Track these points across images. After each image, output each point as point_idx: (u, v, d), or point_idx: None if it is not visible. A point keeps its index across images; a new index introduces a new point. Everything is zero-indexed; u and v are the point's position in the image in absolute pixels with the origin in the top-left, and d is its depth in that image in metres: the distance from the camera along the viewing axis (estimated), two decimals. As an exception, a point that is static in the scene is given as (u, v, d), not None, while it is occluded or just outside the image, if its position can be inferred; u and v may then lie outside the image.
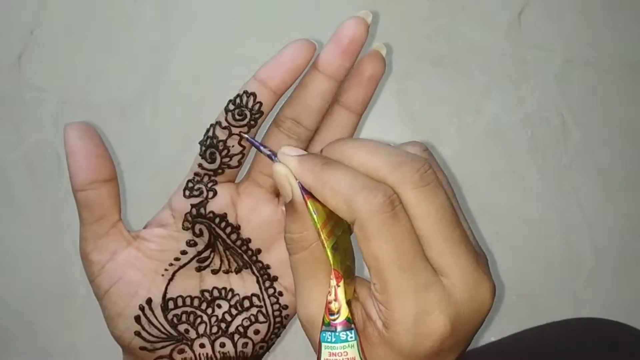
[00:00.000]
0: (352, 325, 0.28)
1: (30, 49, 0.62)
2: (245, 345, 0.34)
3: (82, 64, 0.62)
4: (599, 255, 0.64)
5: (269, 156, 0.30)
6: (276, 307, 0.34)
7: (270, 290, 0.34)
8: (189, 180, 0.33)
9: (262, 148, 0.30)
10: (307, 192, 0.28)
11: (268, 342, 0.35)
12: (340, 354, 0.28)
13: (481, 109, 0.62)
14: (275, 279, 0.34)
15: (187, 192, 0.33)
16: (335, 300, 0.28)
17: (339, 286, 0.28)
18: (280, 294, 0.34)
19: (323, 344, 0.28)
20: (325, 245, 0.28)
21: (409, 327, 0.27)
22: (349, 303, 0.28)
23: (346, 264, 0.29)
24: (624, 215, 0.64)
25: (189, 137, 0.62)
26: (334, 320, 0.28)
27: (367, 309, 0.29)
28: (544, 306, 0.63)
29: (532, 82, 0.63)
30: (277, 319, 0.34)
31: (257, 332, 0.34)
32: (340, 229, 0.29)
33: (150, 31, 0.62)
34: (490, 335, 0.61)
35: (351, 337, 0.28)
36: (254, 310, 0.34)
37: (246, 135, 0.31)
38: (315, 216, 0.28)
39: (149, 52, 0.62)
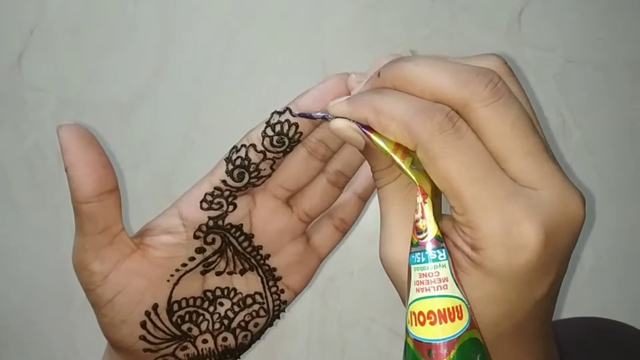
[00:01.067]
0: (443, 244, 0.26)
1: (30, 49, 0.62)
2: (245, 337, 0.35)
3: (82, 64, 0.62)
4: (599, 255, 0.64)
5: (323, 118, 0.30)
6: (277, 302, 0.35)
7: (273, 289, 0.35)
8: (207, 194, 0.32)
9: (313, 114, 0.30)
10: (369, 129, 0.27)
11: (263, 332, 0.36)
12: (431, 274, 0.26)
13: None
14: (279, 279, 0.35)
15: (206, 205, 0.32)
16: (423, 217, 0.26)
17: (425, 202, 0.26)
18: (282, 291, 0.36)
19: (412, 267, 0.26)
20: (403, 165, 0.26)
21: (499, 242, 0.25)
22: (437, 222, 0.26)
23: (430, 184, 0.27)
24: (624, 215, 0.64)
25: (189, 137, 0.62)
26: (423, 239, 0.26)
27: (453, 239, 0.27)
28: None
29: (532, 82, 0.63)
30: (276, 313, 0.36)
31: (256, 325, 0.35)
32: (414, 153, 0.27)
33: (150, 31, 0.62)
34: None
35: (442, 257, 0.26)
36: (255, 307, 0.35)
37: (297, 113, 0.31)
38: (383, 145, 0.26)
39: (149, 52, 0.62)
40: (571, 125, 0.63)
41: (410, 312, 0.26)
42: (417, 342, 0.26)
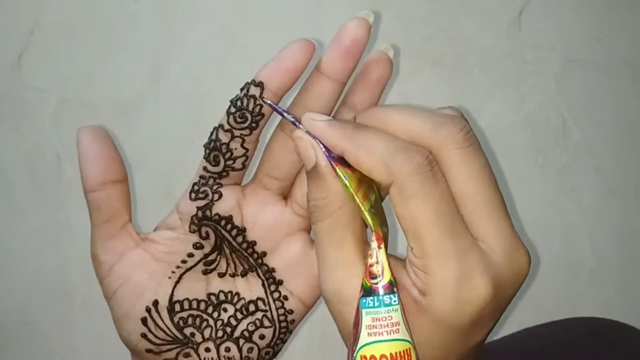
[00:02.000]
0: (395, 289, 0.26)
1: (30, 49, 0.62)
2: (250, 350, 0.33)
3: (82, 64, 0.62)
4: (599, 255, 0.64)
5: (293, 122, 0.29)
6: (281, 311, 0.34)
7: (276, 295, 0.34)
8: (194, 183, 0.33)
9: (285, 114, 0.30)
10: (333, 158, 0.27)
11: (274, 348, 0.34)
12: (384, 319, 0.26)
13: (481, 109, 0.62)
14: (280, 282, 0.34)
15: (193, 195, 0.33)
16: (377, 262, 0.26)
17: (380, 248, 0.26)
18: (286, 298, 0.34)
19: (363, 311, 0.26)
20: (362, 208, 0.27)
21: (451, 292, 0.25)
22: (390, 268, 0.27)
23: (384, 230, 0.27)
24: (624, 215, 0.64)
25: (189, 137, 0.62)
26: (376, 283, 0.26)
27: (401, 279, 0.27)
28: (544, 306, 0.63)
29: (532, 82, 0.63)
30: (283, 324, 0.34)
31: (262, 337, 0.34)
32: (373, 194, 0.28)
33: (150, 31, 0.62)
34: (489, 335, 0.61)
35: (395, 301, 0.26)
36: (259, 315, 0.34)
37: (269, 101, 0.30)
38: (346, 181, 0.27)
39: (149, 52, 0.62)
40: (571, 125, 0.63)
41: (361, 355, 0.26)
42: None
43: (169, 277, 0.33)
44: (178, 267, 0.33)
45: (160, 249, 0.33)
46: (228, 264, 0.34)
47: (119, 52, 0.62)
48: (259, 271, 0.34)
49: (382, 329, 0.26)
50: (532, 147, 0.63)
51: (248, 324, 0.33)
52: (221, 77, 0.62)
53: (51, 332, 0.64)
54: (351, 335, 0.28)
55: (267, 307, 0.34)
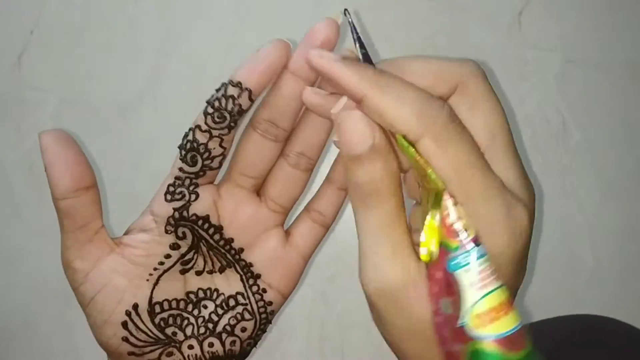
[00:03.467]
0: (480, 241, 0.26)
1: (30, 49, 0.62)
2: (233, 343, 0.34)
3: (82, 64, 0.62)
4: (599, 255, 0.64)
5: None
6: (261, 304, 0.34)
7: (254, 288, 0.34)
8: (169, 185, 0.33)
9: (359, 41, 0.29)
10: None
11: (255, 339, 0.35)
12: (487, 269, 0.25)
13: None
14: (258, 276, 0.34)
15: (169, 197, 0.33)
16: (460, 218, 0.25)
17: (456, 204, 0.26)
18: (264, 290, 0.34)
19: (459, 272, 0.25)
20: (427, 168, 0.25)
21: (504, 224, 0.26)
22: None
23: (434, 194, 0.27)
24: (624, 215, 0.64)
25: (189, 137, 0.62)
26: (465, 238, 0.25)
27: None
28: (543, 306, 0.63)
29: (532, 82, 0.63)
30: (263, 315, 0.34)
31: (244, 329, 0.34)
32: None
33: (150, 31, 0.62)
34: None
35: (486, 251, 0.25)
36: (239, 309, 0.34)
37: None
38: (408, 146, 0.25)
39: (149, 52, 0.62)
40: (571, 125, 0.63)
41: (475, 315, 0.25)
42: (499, 340, 0.24)
43: (147, 280, 0.33)
44: (155, 269, 0.33)
45: (136, 253, 0.33)
46: (205, 262, 0.34)
47: (119, 52, 0.62)
48: (237, 267, 0.34)
49: (488, 279, 0.25)
50: (532, 147, 0.63)
51: (229, 319, 0.34)
52: (221, 77, 0.62)
53: (51, 332, 0.63)
54: (411, 329, 0.27)
55: (247, 301, 0.34)
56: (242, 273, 0.34)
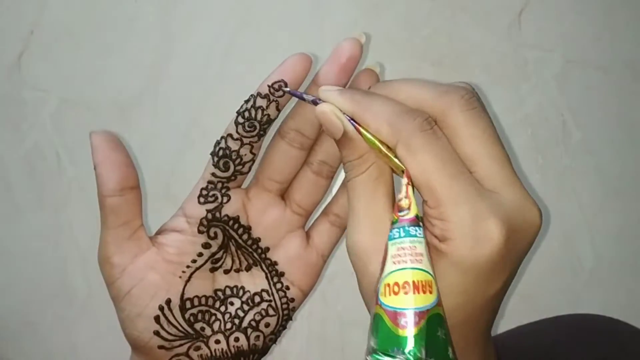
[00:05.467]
0: (421, 224, 0.28)
1: (30, 49, 0.62)
2: (257, 338, 0.36)
3: (82, 64, 0.62)
4: (599, 255, 0.64)
5: (313, 101, 0.32)
6: (284, 300, 0.37)
7: (278, 285, 0.37)
8: (202, 188, 0.35)
9: (304, 96, 0.33)
10: (356, 123, 0.30)
11: (276, 334, 0.37)
12: (408, 248, 0.28)
13: (481, 109, 0.62)
14: (282, 274, 0.37)
15: (202, 199, 0.35)
16: (406, 197, 0.28)
17: (409, 184, 0.28)
18: (287, 288, 0.37)
19: (390, 242, 0.28)
20: (390, 154, 0.29)
21: (467, 232, 0.27)
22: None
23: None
24: (624, 215, 0.64)
25: (189, 137, 0.62)
26: (403, 216, 0.28)
27: (426, 235, 0.29)
28: (544, 306, 0.63)
29: (532, 82, 0.63)
30: (285, 312, 0.37)
31: (267, 325, 0.37)
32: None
33: (150, 31, 0.62)
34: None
35: (420, 234, 0.28)
36: (264, 305, 0.37)
37: (287, 89, 0.34)
38: (370, 136, 0.29)
39: (149, 52, 0.62)
40: (571, 125, 0.63)
41: (385, 284, 0.28)
42: (390, 311, 0.27)
43: (180, 277, 0.35)
44: (188, 266, 0.35)
45: (171, 251, 0.35)
46: (233, 261, 0.37)
47: (119, 52, 0.62)
48: (263, 265, 0.37)
49: (405, 257, 0.28)
50: (532, 147, 0.63)
51: (255, 314, 0.36)
52: (221, 77, 0.62)
53: (51, 332, 0.64)
54: (370, 288, 0.29)
55: (271, 297, 0.37)
56: (267, 271, 0.37)
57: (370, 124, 0.29)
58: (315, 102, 0.32)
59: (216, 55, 0.62)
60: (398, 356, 0.27)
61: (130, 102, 0.62)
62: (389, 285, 0.28)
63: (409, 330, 0.27)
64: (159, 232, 0.36)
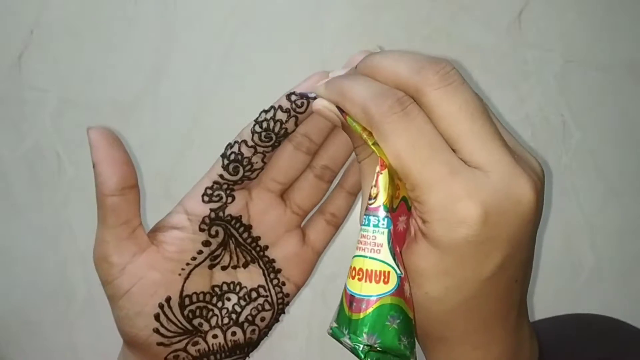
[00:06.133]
0: (387, 214, 0.28)
1: (30, 49, 0.62)
2: (253, 332, 0.37)
3: (82, 64, 0.62)
4: (599, 255, 0.64)
5: (314, 98, 0.32)
6: (280, 295, 0.38)
7: (275, 281, 0.38)
8: (207, 188, 0.36)
9: (309, 94, 0.33)
10: (344, 112, 0.30)
11: (270, 328, 0.38)
12: (369, 237, 0.28)
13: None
14: (279, 271, 0.38)
15: (207, 198, 0.36)
16: (375, 186, 0.28)
17: (381, 173, 0.28)
18: (284, 284, 0.38)
19: (360, 228, 0.29)
20: (368, 142, 0.29)
21: (440, 215, 0.27)
22: (400, 197, 0.29)
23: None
24: (624, 215, 0.64)
25: (189, 137, 0.62)
26: (371, 204, 0.29)
27: (414, 215, 0.29)
28: (544, 306, 0.63)
29: (532, 82, 0.63)
30: (280, 306, 0.38)
31: (263, 319, 0.38)
32: None
33: (150, 31, 0.62)
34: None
35: (383, 225, 0.28)
36: (260, 300, 0.38)
37: (299, 92, 0.34)
38: (354, 124, 0.29)
39: (149, 52, 0.62)
40: (571, 125, 0.63)
41: (350, 266, 0.29)
42: (346, 292, 0.29)
43: (179, 274, 0.35)
44: (187, 264, 0.36)
45: (171, 249, 0.35)
46: (231, 258, 0.37)
47: (119, 52, 0.62)
48: (261, 262, 0.38)
49: (365, 245, 0.29)
50: (532, 147, 0.63)
51: (251, 309, 0.37)
52: (221, 77, 0.62)
53: (51, 332, 0.64)
54: None
55: (268, 293, 0.38)
56: (264, 268, 0.38)
57: (350, 112, 0.29)
58: (315, 99, 0.32)
59: (216, 55, 0.62)
60: (345, 335, 0.28)
61: (130, 102, 0.62)
62: (351, 267, 0.29)
63: (356, 314, 0.28)
64: (157, 229, 0.36)
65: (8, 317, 0.64)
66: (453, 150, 0.28)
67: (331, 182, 0.38)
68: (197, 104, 0.62)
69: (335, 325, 0.29)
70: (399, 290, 0.28)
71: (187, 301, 0.36)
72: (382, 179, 0.28)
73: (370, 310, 0.28)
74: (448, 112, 0.28)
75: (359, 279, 0.28)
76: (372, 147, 0.29)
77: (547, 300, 0.63)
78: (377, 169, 0.29)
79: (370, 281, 0.28)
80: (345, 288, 0.29)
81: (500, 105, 0.62)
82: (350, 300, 0.28)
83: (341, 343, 0.29)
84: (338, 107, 0.30)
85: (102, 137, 0.33)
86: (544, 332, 0.48)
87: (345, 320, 0.28)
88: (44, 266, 0.63)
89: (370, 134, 0.29)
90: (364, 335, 0.27)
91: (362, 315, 0.28)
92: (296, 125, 0.35)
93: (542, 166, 0.30)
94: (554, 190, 0.63)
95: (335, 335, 0.29)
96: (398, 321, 0.28)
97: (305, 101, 0.34)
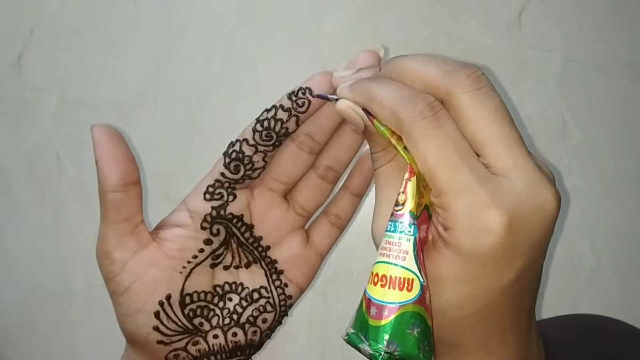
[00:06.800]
0: (414, 221, 0.28)
1: (30, 49, 0.62)
2: (254, 333, 0.37)
3: (82, 64, 0.62)
4: (599, 255, 0.64)
5: (336, 100, 0.32)
6: (282, 297, 0.38)
7: (277, 283, 0.38)
8: (209, 186, 0.35)
9: (329, 96, 0.33)
10: (372, 115, 0.30)
11: (272, 330, 0.38)
12: (395, 244, 0.28)
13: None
14: (281, 272, 0.38)
15: (208, 196, 0.35)
16: (403, 192, 0.28)
17: (410, 180, 0.28)
18: (286, 285, 0.38)
19: (385, 233, 0.29)
20: (397, 147, 0.29)
21: (466, 224, 0.27)
22: (422, 205, 0.29)
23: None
24: (624, 215, 0.64)
25: (189, 137, 0.62)
26: (398, 211, 0.28)
27: (434, 223, 0.29)
28: (544, 306, 0.63)
29: (532, 82, 0.63)
30: (282, 308, 0.38)
31: (264, 320, 0.37)
32: None
33: (150, 31, 0.62)
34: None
35: (409, 231, 0.28)
36: (262, 302, 0.37)
37: (315, 94, 0.34)
38: (382, 128, 0.29)
39: (149, 52, 0.62)
40: (571, 125, 0.63)
41: (373, 272, 0.29)
42: (367, 298, 0.28)
43: (180, 272, 0.35)
44: (189, 262, 0.35)
45: (172, 246, 0.35)
46: (233, 257, 0.37)
47: (119, 52, 0.62)
48: (263, 263, 0.37)
49: (390, 252, 0.28)
50: (532, 147, 0.63)
51: (253, 310, 0.37)
52: (221, 77, 0.62)
53: (51, 332, 0.63)
54: None
55: (270, 294, 0.37)
56: (267, 269, 0.37)
57: (378, 115, 0.29)
58: (337, 101, 0.32)
59: (216, 55, 0.62)
60: (364, 342, 0.28)
61: (131, 102, 0.62)
62: (373, 273, 0.29)
63: (376, 320, 0.28)
64: (160, 227, 0.36)
65: (8, 317, 0.64)
66: (477, 154, 0.28)
67: (335, 183, 0.38)
68: (197, 104, 0.62)
69: (352, 331, 0.29)
70: (421, 299, 0.28)
71: (187, 300, 0.35)
72: (411, 186, 0.28)
73: (392, 317, 0.27)
74: (478, 116, 0.28)
75: (382, 285, 0.28)
76: (402, 152, 0.29)
77: (547, 300, 0.63)
78: (406, 175, 0.28)
79: (394, 288, 0.28)
80: (365, 294, 0.29)
81: (500, 105, 0.62)
82: (370, 306, 0.28)
83: (358, 349, 0.28)
84: (365, 110, 0.30)
85: (104, 134, 0.33)
86: (544, 333, 0.48)
87: (364, 326, 0.28)
88: (44, 266, 0.63)
89: (399, 138, 0.29)
90: (385, 342, 0.27)
91: (383, 322, 0.27)
92: (297, 124, 0.34)
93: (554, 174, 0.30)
94: (554, 190, 0.63)
95: (352, 341, 0.29)
96: (418, 329, 0.28)
97: (306, 101, 0.33)
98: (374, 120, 0.30)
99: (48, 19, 0.62)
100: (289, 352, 0.64)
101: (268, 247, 0.37)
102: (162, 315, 0.35)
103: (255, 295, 0.37)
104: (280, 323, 0.38)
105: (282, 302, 0.38)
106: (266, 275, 0.37)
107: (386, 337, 0.27)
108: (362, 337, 0.28)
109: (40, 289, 0.63)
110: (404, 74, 0.29)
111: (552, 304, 0.63)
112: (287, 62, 0.62)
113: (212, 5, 0.62)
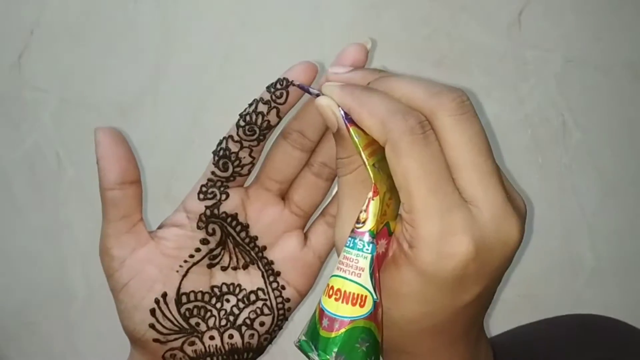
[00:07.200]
0: (373, 240, 0.29)
1: (30, 49, 0.62)
2: (251, 336, 0.37)
3: (82, 64, 0.62)
4: (599, 255, 0.64)
5: (317, 95, 0.32)
6: (279, 300, 0.37)
7: (274, 285, 0.37)
8: (202, 185, 0.36)
9: (310, 89, 0.33)
10: (350, 121, 0.30)
11: (271, 334, 0.38)
12: (351, 260, 0.29)
13: (481, 109, 0.62)
14: (278, 273, 0.38)
15: (202, 196, 0.36)
16: (365, 211, 0.29)
17: (373, 199, 0.29)
18: (283, 287, 0.38)
19: (344, 248, 0.29)
20: (366, 162, 0.29)
21: (433, 246, 0.27)
22: (384, 222, 0.29)
23: (387, 185, 0.30)
24: (624, 215, 0.64)
25: (189, 137, 0.62)
26: (358, 228, 0.29)
27: (398, 238, 0.30)
28: (544, 306, 0.63)
29: (532, 82, 0.63)
30: (280, 312, 0.37)
31: (262, 324, 0.37)
32: (380, 155, 0.30)
33: (150, 31, 0.62)
34: (489, 334, 0.61)
35: (367, 250, 0.29)
36: (259, 304, 0.37)
37: (298, 83, 0.34)
38: (357, 139, 0.29)
39: (149, 52, 0.62)
40: (571, 125, 0.63)
41: (328, 284, 0.29)
42: (321, 309, 0.29)
43: (177, 271, 0.36)
44: (185, 261, 0.36)
45: (169, 245, 0.36)
46: (230, 258, 0.37)
47: (119, 52, 0.62)
48: (260, 263, 0.37)
49: (346, 267, 0.29)
50: (532, 147, 0.63)
51: (249, 312, 0.37)
52: (221, 77, 0.62)
53: (51, 332, 0.64)
54: None
55: (267, 297, 0.37)
56: (263, 270, 0.37)
57: (365, 120, 0.29)
58: (318, 96, 0.32)
59: (216, 55, 0.62)
60: (314, 351, 0.29)
61: (131, 102, 0.62)
62: (328, 286, 0.29)
63: (327, 332, 0.28)
64: (159, 227, 0.37)
65: (8, 317, 0.64)
66: (453, 177, 0.29)
67: (331, 181, 0.38)
68: (197, 104, 0.62)
69: (304, 338, 0.29)
70: (373, 315, 0.29)
71: (184, 299, 0.36)
72: (373, 205, 0.29)
73: (342, 331, 0.28)
74: (459, 141, 0.28)
75: (336, 299, 0.29)
76: (370, 168, 0.29)
77: (547, 300, 0.63)
78: (370, 194, 0.29)
79: (347, 303, 0.28)
80: (319, 304, 0.29)
81: (500, 105, 0.63)
82: (322, 317, 0.29)
83: (308, 357, 0.29)
84: (345, 116, 0.30)
85: (106, 135, 0.34)
86: (544, 333, 0.48)
87: (315, 336, 0.29)
88: (44, 266, 0.63)
89: (371, 154, 0.29)
90: (333, 354, 0.28)
91: (333, 334, 0.28)
92: (278, 117, 0.35)
93: (526, 205, 0.31)
94: (554, 190, 0.63)
95: (302, 348, 0.29)
96: (367, 344, 0.28)
97: (285, 92, 0.34)
98: (351, 128, 0.30)
99: (48, 19, 0.62)
100: (289, 352, 0.64)
101: (264, 247, 0.37)
102: (158, 313, 0.35)
103: (252, 297, 0.37)
104: (280, 327, 0.38)
105: (280, 305, 0.37)
106: (263, 276, 0.37)
107: (335, 349, 0.28)
108: (313, 346, 0.29)
109: (40, 289, 0.63)
110: (392, 92, 0.30)
111: (552, 304, 0.63)
112: (287, 62, 0.62)
113: (212, 6, 0.62)
